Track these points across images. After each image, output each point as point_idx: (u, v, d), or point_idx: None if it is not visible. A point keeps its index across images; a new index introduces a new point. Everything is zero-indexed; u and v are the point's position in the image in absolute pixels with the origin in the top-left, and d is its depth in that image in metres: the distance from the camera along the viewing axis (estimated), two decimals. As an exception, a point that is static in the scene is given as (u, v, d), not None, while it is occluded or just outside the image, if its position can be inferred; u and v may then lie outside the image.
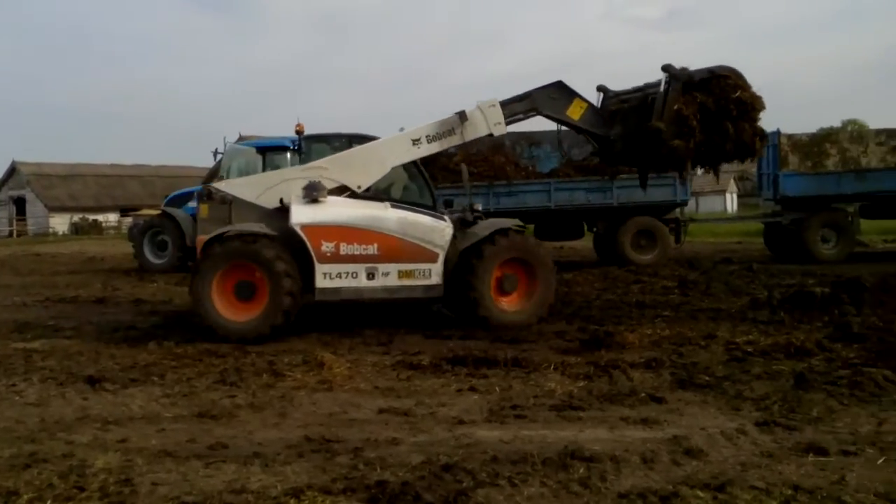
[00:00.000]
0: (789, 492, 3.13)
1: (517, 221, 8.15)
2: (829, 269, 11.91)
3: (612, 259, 14.33)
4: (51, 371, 5.81)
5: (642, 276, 11.86)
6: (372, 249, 7.32)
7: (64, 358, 6.34)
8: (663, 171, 9.38)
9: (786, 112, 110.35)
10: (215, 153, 16.18)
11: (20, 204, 45.66)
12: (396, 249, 7.38)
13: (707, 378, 5.15)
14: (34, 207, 44.99)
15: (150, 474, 3.57)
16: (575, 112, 7.89)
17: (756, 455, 3.64)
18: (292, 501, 3.17)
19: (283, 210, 7.40)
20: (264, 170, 15.60)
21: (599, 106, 8.15)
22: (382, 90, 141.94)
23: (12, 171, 46.43)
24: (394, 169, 7.95)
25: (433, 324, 7.92)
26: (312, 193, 7.40)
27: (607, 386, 5.05)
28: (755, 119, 7.40)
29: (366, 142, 8.28)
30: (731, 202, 50.71)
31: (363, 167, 7.71)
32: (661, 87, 7.39)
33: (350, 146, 8.45)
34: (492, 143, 15.75)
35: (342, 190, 7.73)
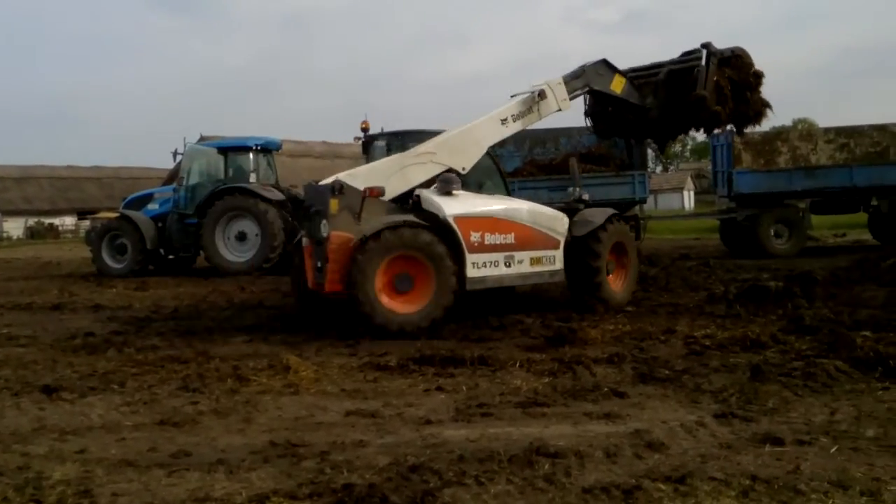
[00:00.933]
0: (747, 482, 3.24)
1: (613, 210, 8.74)
2: (782, 264, 12.32)
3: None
4: (5, 381, 5.62)
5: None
6: (510, 238, 7.69)
7: (19, 367, 6.14)
8: (702, 131, 10.03)
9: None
10: (175, 154, 15.83)
11: (-31, 208, 44.00)
12: (529, 238, 7.85)
13: (667, 372, 5.28)
14: (-16, 211, 43.43)
15: (111, 485, 3.49)
16: (617, 86, 8.79)
17: (715, 447, 3.75)
18: (258, 508, 3.14)
19: (414, 202, 7.66)
20: (226, 171, 15.43)
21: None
22: (348, 90, 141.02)
23: (-40, 173, 44.70)
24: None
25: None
26: (448, 186, 7.74)
27: (571, 382, 5.14)
28: (761, 91, 8.99)
29: (425, 137, 8.40)
30: (689, 199, 51.92)
31: (464, 150, 8.03)
32: (703, 63, 8.54)
33: (405, 142, 8.74)
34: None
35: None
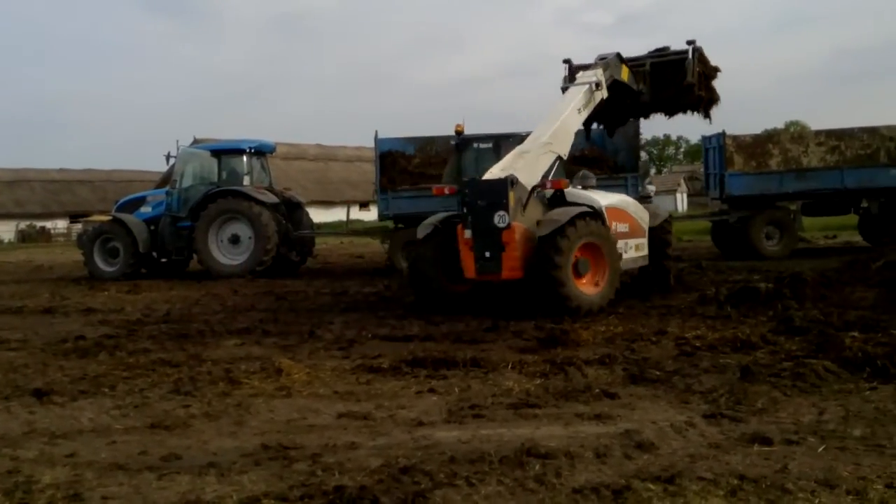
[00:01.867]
0: (735, 482, 3.26)
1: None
2: (773, 266, 12.38)
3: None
4: (-5, 385, 5.60)
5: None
6: (626, 228, 8.95)
7: (9, 371, 6.11)
8: (687, 111, 11.04)
9: (732, 115, 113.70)
10: (168, 157, 15.80)
11: (-39, 211, 43.70)
12: (634, 227, 9.16)
13: (658, 373, 5.30)
14: (-24, 215, 43.13)
15: (101, 488, 3.48)
16: (624, 75, 10.05)
17: (704, 447, 3.77)
18: (249, 510, 3.14)
19: (557, 195, 8.65)
20: (219, 174, 15.40)
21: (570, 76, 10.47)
22: (342, 93, 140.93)
23: (-49, 177, 44.40)
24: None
25: (393, 326, 7.95)
26: (587, 182, 9.30)
27: (563, 383, 5.16)
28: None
29: (516, 140, 9.36)
30: (682, 201, 52.14)
31: (566, 139, 9.17)
32: (690, 56, 10.03)
33: (498, 145, 9.69)
34: (450, 146, 15.84)
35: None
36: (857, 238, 17.42)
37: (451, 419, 4.43)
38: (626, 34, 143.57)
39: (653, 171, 75.69)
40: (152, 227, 15.25)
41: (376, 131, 15.03)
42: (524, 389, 5.04)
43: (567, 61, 10.69)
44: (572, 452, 3.68)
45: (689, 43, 10.13)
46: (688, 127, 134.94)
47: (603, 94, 9.59)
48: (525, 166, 8.49)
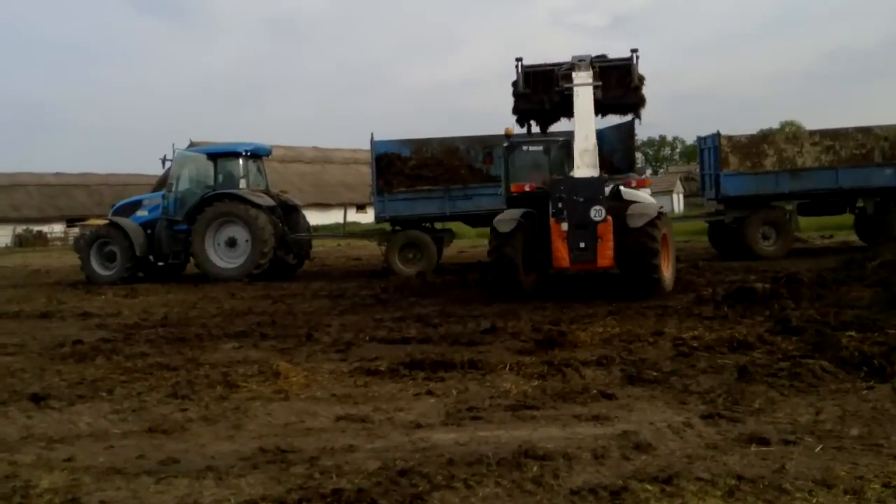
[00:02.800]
0: (733, 482, 3.27)
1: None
2: (769, 266, 12.42)
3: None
4: (-8, 390, 5.59)
5: (593, 274, 12.07)
6: None
7: (6, 375, 6.10)
8: (624, 112, 12.15)
9: (727, 115, 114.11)
10: (164, 160, 15.73)
11: (-44, 216, 43.52)
12: None
13: (655, 373, 5.32)
14: (-28, 219, 42.97)
15: (99, 493, 3.48)
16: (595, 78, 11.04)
17: (701, 447, 3.78)
18: (247, 514, 3.14)
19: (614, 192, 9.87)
20: (216, 177, 15.39)
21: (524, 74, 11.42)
22: (338, 95, 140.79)
23: (-53, 181, 44.25)
24: None
25: (390, 328, 7.95)
26: (634, 181, 10.58)
27: (560, 384, 5.16)
28: None
29: (563, 143, 10.67)
30: (678, 202, 52.21)
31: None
32: (635, 62, 11.02)
33: (548, 147, 10.81)
34: (446, 147, 15.89)
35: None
36: (853, 237, 17.48)
37: (448, 421, 4.44)
38: (619, 36, 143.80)
39: (649, 171, 75.82)
40: (149, 231, 15.22)
41: (372, 133, 15.06)
42: (522, 391, 5.05)
43: (519, 59, 11.45)
44: (570, 454, 3.68)
45: (632, 51, 11.32)
46: (684, 128, 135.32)
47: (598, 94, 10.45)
48: (593, 163, 9.81)
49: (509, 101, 12.49)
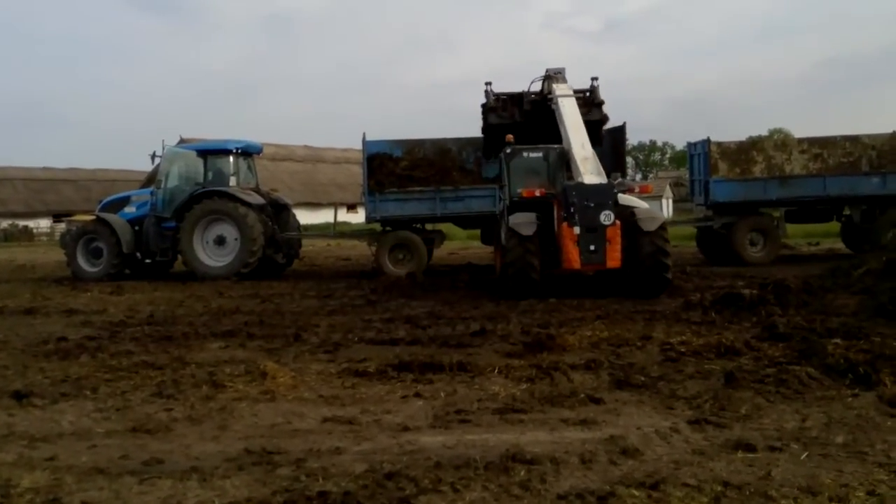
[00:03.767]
0: (719, 488, 3.28)
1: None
2: (757, 272, 12.51)
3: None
4: (-27, 387, 5.50)
5: (582, 278, 12.14)
6: None
7: (-13, 373, 6.01)
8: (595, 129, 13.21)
9: (717, 121, 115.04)
10: (153, 156, 15.60)
11: (-58, 210, 42.93)
12: None
13: (643, 378, 5.33)
14: (-42, 213, 42.41)
15: (80, 493, 3.44)
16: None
17: (688, 453, 3.79)
18: (231, 516, 3.11)
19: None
20: (205, 175, 15.27)
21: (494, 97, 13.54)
22: (331, 94, 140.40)
23: (-68, 174, 43.63)
24: None
25: (379, 329, 7.92)
26: (622, 187, 10.76)
27: (549, 388, 5.16)
28: None
29: (560, 150, 11.25)
30: (668, 207, 52.49)
31: None
32: (597, 86, 13.25)
33: (547, 154, 11.26)
34: (438, 148, 15.87)
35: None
36: (839, 245, 17.63)
37: (436, 424, 4.42)
38: (613, 40, 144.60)
39: (638, 176, 76.28)
40: (136, 228, 15.08)
41: (364, 133, 15.01)
42: (510, 394, 5.04)
43: (488, 83, 13.50)
44: (557, 458, 3.68)
45: (593, 79, 13.43)
46: (675, 133, 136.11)
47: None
48: (597, 170, 10.51)
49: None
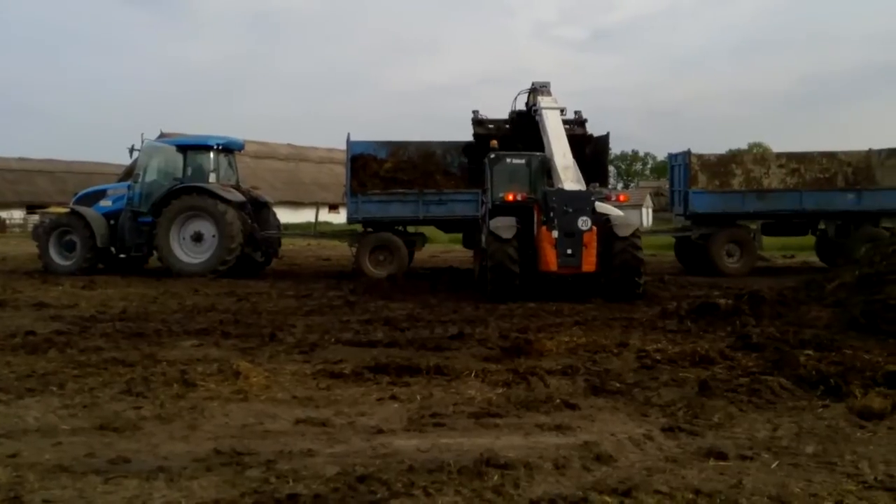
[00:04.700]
0: (690, 496, 3.29)
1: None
2: (733, 282, 12.65)
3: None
4: (-66, 381, 5.35)
5: (562, 284, 12.18)
6: None
7: (-50, 366, 5.84)
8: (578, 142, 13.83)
9: (698, 135, 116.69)
10: (131, 150, 15.33)
11: None
12: None
13: (618, 385, 5.35)
14: (-73, 202, 41.35)
15: (43, 491, 3.34)
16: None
17: (661, 460, 3.80)
18: (198, 517, 3.04)
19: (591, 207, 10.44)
20: (184, 170, 15.06)
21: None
22: (316, 94, 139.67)
23: None
24: None
25: (357, 331, 7.86)
26: (599, 195, 11.06)
27: (525, 393, 5.16)
28: None
29: (542, 158, 11.64)
30: (647, 216, 53.02)
31: None
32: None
33: (529, 162, 11.63)
34: (423, 151, 15.85)
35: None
36: (813, 258, 17.92)
37: (411, 427, 4.38)
38: (599, 49, 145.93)
39: (620, 185, 77.09)
40: (112, 222, 14.82)
41: (348, 133, 14.94)
42: (486, 398, 5.02)
43: (475, 111, 14.43)
44: (531, 463, 3.67)
45: (576, 112, 14.47)
46: (656, 144, 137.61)
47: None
48: (577, 178, 10.91)
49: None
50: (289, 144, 50.59)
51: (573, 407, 4.80)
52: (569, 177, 10.88)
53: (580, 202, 10.26)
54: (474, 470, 3.56)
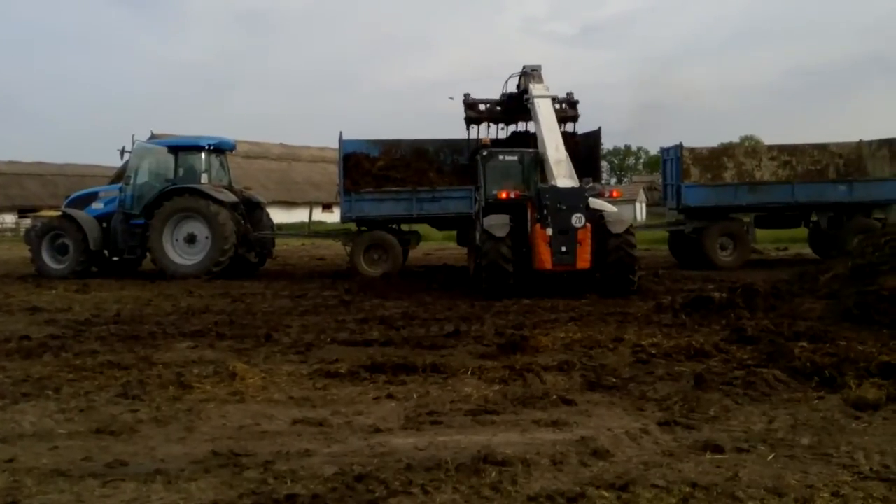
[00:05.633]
0: (687, 489, 3.30)
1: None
2: (727, 276, 12.71)
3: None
4: (-71, 387, 5.31)
5: (557, 281, 12.20)
6: None
7: (-56, 372, 5.81)
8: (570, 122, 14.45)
9: (690, 128, 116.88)
10: (122, 152, 15.25)
11: None
12: None
13: (614, 380, 5.37)
14: (-83, 207, 41.05)
15: (40, 496, 3.33)
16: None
17: (658, 454, 3.82)
18: (196, 519, 3.04)
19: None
20: (176, 171, 14.99)
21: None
22: (308, 92, 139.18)
23: None
24: None
25: (352, 330, 7.86)
26: (593, 191, 10.90)
27: (521, 389, 5.17)
28: None
29: (534, 154, 11.57)
30: (641, 211, 53.15)
31: None
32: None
33: (522, 158, 11.53)
34: (415, 149, 15.83)
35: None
36: (807, 250, 18.01)
37: (408, 426, 4.39)
38: (588, 45, 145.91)
39: (613, 180, 77.32)
40: (104, 225, 14.75)
41: (340, 132, 14.91)
42: (483, 396, 5.03)
43: (466, 94, 14.23)
44: (528, 460, 3.68)
45: (568, 94, 14.24)
46: (649, 138, 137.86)
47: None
48: (570, 173, 10.79)
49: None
50: (281, 144, 50.41)
51: (569, 403, 4.81)
52: (562, 172, 10.79)
53: (574, 199, 10.22)
54: (472, 467, 3.57)
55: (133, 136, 15.32)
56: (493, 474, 3.50)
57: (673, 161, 16.30)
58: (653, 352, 6.25)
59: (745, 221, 16.34)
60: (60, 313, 9.46)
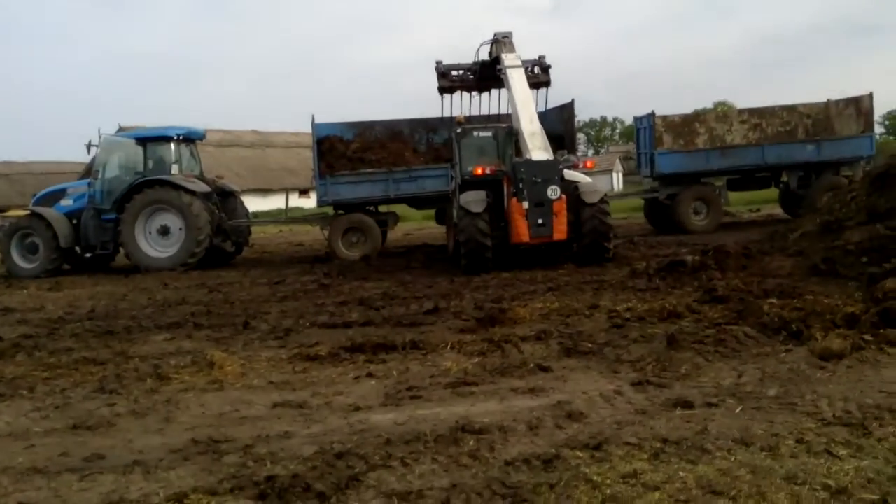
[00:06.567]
0: (658, 445, 3.39)
1: None
2: (700, 239, 12.89)
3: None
4: None
5: (536, 253, 12.29)
6: None
7: (-85, 378, 5.71)
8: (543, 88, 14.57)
9: (663, 96, 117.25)
10: (89, 146, 14.91)
11: None
12: None
13: (590, 345, 5.46)
14: None
15: (17, 493, 3.32)
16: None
17: (630, 413, 3.91)
18: (176, 506, 3.06)
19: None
20: (145, 163, 14.73)
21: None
22: (278, 76, 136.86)
23: None
24: None
25: (332, 313, 7.86)
26: (568, 163, 11.03)
27: (500, 360, 5.23)
28: None
29: (509, 128, 11.63)
30: (618, 181, 53.43)
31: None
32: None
33: (496, 134, 11.60)
34: (390, 130, 15.70)
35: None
36: (778, 211, 18.30)
37: (388, 402, 4.43)
38: (561, 18, 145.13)
39: (591, 151, 77.51)
40: (74, 221, 14.49)
41: (313, 116, 14.69)
42: (462, 369, 5.09)
43: (438, 62, 14.04)
44: (506, 426, 3.74)
45: (541, 56, 14.14)
46: (626, 109, 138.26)
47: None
48: (545, 145, 10.78)
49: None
50: (253, 131, 49.65)
51: (546, 370, 4.89)
52: (536, 144, 10.82)
53: (549, 171, 10.31)
54: (450, 437, 3.63)
55: (99, 129, 14.99)
56: (472, 442, 3.56)
57: (646, 129, 16.38)
58: (627, 316, 6.36)
59: (718, 185, 16.53)
60: (33, 312, 9.32)
